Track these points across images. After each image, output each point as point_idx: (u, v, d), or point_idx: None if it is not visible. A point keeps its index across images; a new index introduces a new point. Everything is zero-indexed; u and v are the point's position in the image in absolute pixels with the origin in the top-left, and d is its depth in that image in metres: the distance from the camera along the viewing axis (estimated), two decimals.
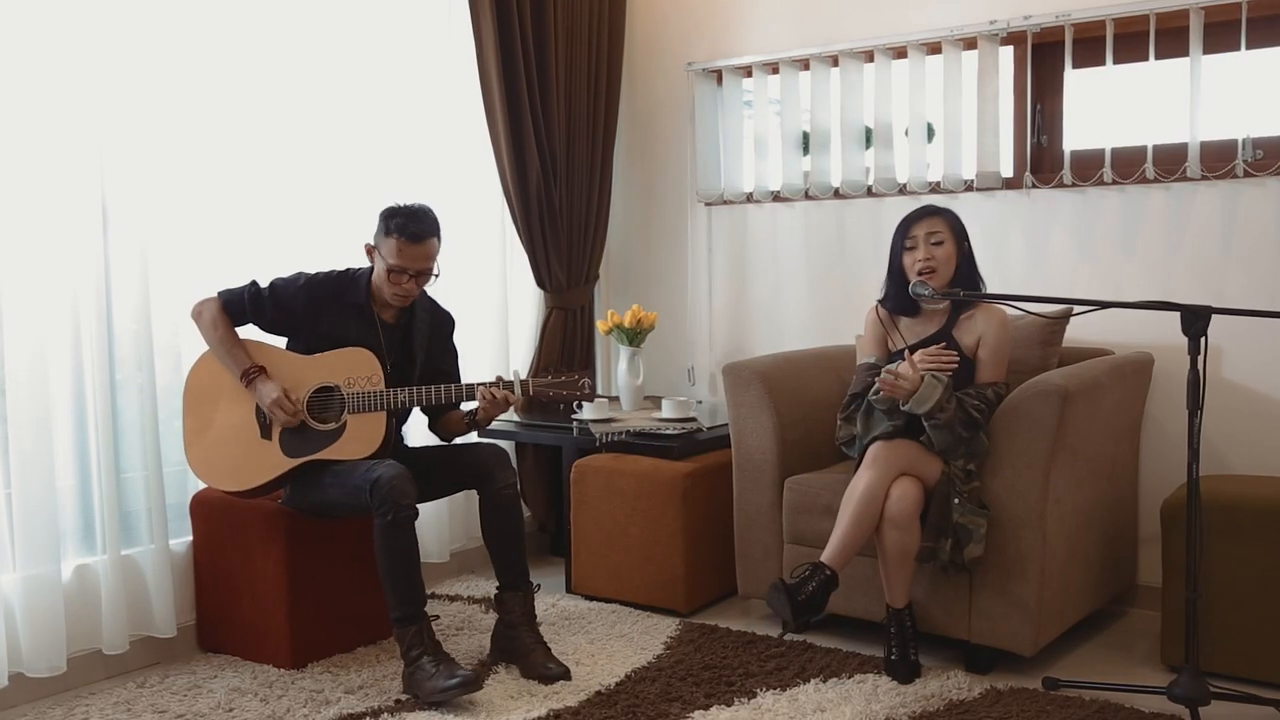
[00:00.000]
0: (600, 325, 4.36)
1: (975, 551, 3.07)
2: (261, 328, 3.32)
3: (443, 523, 4.16)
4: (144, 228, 3.35)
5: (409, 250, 3.18)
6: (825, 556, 3.08)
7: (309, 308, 3.27)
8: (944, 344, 3.22)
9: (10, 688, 3.06)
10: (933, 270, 3.23)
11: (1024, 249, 3.94)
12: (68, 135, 3.16)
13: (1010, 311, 3.32)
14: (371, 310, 3.30)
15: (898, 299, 3.35)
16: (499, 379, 3.24)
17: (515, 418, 4.32)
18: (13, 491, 3.08)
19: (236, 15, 3.60)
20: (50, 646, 3.11)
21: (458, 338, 3.55)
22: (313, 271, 3.34)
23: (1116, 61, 3.67)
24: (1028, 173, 3.89)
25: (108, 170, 3.27)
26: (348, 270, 3.35)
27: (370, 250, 3.27)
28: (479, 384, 3.22)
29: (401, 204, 3.25)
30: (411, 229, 3.18)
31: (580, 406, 4.06)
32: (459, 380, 3.47)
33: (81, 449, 3.27)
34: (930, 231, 3.26)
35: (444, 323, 3.50)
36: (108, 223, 3.26)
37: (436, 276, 3.29)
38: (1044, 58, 3.91)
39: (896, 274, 3.34)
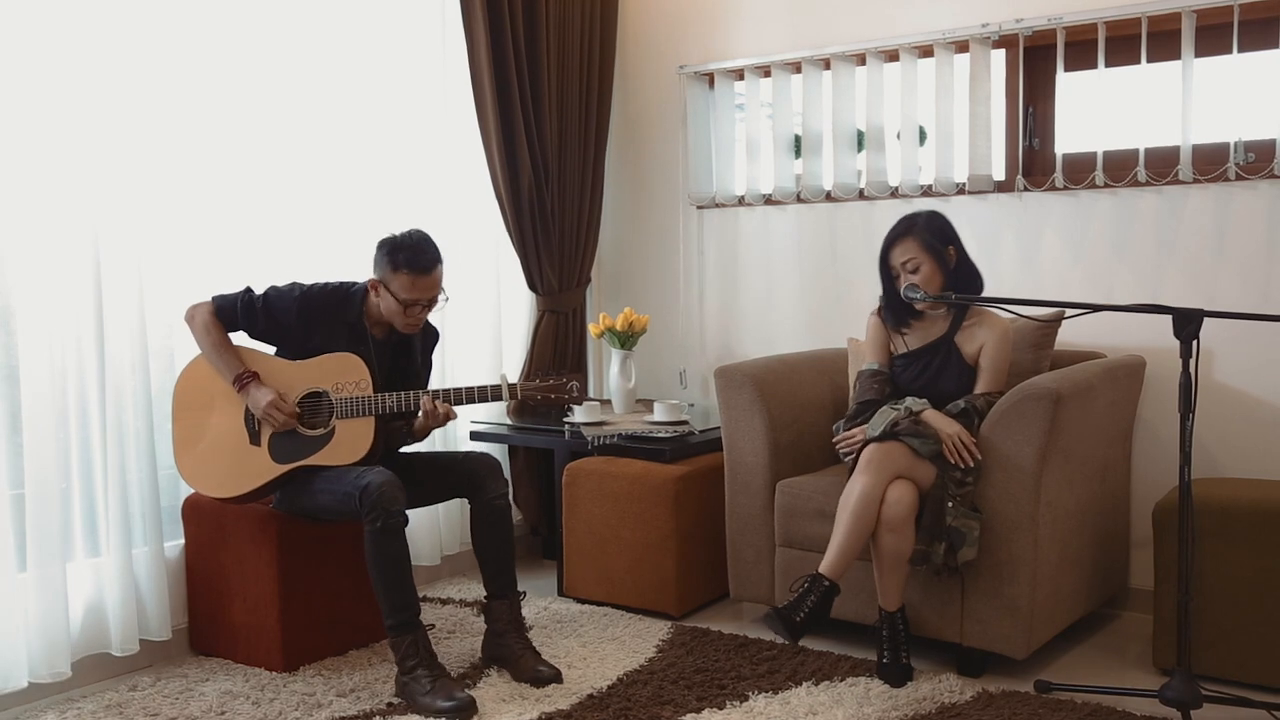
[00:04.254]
0: (592, 328, 4.36)
1: (968, 555, 3.07)
2: (251, 335, 3.31)
3: (435, 526, 4.16)
4: (139, 231, 3.34)
5: (420, 282, 3.18)
6: (823, 567, 3.07)
7: (301, 320, 3.25)
8: (947, 351, 3.23)
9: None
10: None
11: (1016, 252, 3.95)
12: (64, 141, 3.15)
13: (1003, 315, 3.32)
14: (364, 327, 3.29)
15: (896, 315, 3.38)
16: (437, 390, 3.23)
17: (507, 420, 4.31)
18: (26, 492, 3.07)
19: (231, 20, 3.59)
20: (56, 651, 3.10)
21: (451, 340, 3.55)
22: (308, 283, 3.31)
23: (1108, 64, 3.67)
24: (1020, 176, 3.89)
25: (104, 175, 3.25)
26: (343, 285, 3.32)
27: (376, 285, 3.23)
28: (423, 393, 3.21)
29: (399, 236, 3.21)
30: (420, 262, 3.17)
31: (571, 409, 4.05)
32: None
33: (85, 452, 3.26)
34: (905, 260, 3.28)
35: (429, 337, 3.49)
36: (103, 225, 3.25)
37: (447, 300, 3.30)
38: (1036, 61, 3.91)
39: (890, 294, 3.37)
